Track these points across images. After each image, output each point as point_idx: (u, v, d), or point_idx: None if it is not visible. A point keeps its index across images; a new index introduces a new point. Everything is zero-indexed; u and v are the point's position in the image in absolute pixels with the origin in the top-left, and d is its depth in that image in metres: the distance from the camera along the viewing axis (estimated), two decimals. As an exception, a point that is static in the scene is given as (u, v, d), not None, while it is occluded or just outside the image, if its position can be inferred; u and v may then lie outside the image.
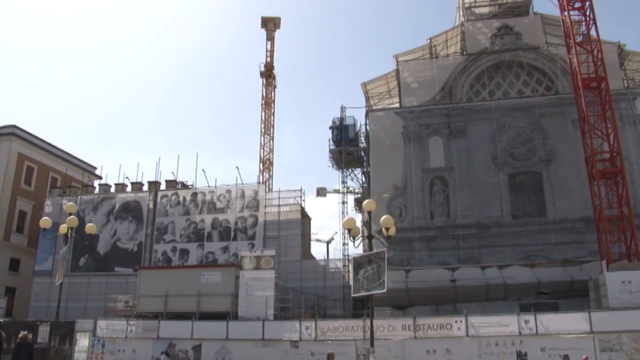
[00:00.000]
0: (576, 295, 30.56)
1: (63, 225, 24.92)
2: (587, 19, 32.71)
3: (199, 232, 40.81)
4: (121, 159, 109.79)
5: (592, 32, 32.54)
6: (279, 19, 53.72)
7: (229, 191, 41.02)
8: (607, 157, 30.92)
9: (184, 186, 43.95)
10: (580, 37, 33.06)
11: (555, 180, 34.89)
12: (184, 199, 41.94)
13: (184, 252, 40.62)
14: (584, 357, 21.59)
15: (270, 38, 53.56)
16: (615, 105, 32.28)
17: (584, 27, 33.04)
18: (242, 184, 41.10)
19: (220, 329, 28.83)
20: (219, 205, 40.92)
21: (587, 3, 32.70)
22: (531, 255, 33.54)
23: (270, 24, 53.50)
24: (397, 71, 39.50)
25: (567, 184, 34.22)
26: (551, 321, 25.52)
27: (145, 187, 44.01)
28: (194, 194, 41.87)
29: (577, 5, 32.96)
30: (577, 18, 33.29)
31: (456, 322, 26.27)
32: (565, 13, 33.03)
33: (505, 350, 25.29)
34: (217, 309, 30.44)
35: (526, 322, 25.52)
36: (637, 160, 34.34)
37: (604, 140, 30.97)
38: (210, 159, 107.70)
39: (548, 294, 31.78)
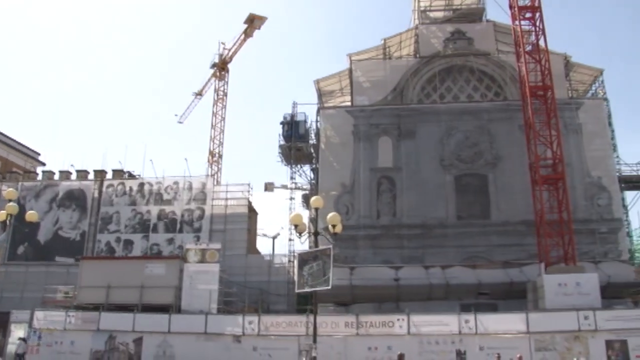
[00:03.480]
0: (515, 296, 31.34)
1: (2, 211, 23.97)
2: (537, 29, 33.66)
3: (144, 223, 40.09)
4: (67, 146, 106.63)
5: (541, 43, 33.52)
6: (265, 19, 52.65)
7: (176, 183, 40.44)
8: (550, 163, 31.88)
9: (131, 176, 43.05)
10: (530, 47, 33.95)
11: (500, 184, 35.67)
12: (131, 189, 41.11)
13: (128, 243, 39.84)
14: (517, 355, 22.19)
15: (248, 35, 52.55)
16: (559, 114, 33.30)
17: (533, 37, 33.98)
18: (190, 176, 40.57)
19: (162, 322, 28.38)
20: (166, 196, 40.30)
21: (538, 14, 33.66)
22: (473, 256, 34.23)
23: (256, 22, 52.27)
24: (350, 70, 39.65)
25: (511, 188, 35.00)
26: (490, 321, 26.25)
27: (91, 176, 42.90)
28: (141, 185, 41.10)
29: (527, 15, 33.89)
30: (527, 28, 34.24)
31: (398, 320, 26.69)
32: (517, 22, 33.94)
33: (445, 348, 25.81)
34: (160, 302, 29.92)
35: (466, 321, 26.15)
36: (578, 168, 35.42)
37: (547, 147, 31.93)
38: (159, 150, 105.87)
39: (488, 294, 32.50)
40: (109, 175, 42.72)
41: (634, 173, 37.85)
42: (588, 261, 31.97)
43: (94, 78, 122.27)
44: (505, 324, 26.25)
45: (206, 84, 53.71)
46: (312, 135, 40.19)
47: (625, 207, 37.36)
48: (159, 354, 27.82)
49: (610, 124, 37.70)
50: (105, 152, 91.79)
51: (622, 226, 35.31)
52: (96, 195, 41.38)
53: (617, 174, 36.67)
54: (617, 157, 37.55)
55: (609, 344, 25.16)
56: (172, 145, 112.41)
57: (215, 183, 42.41)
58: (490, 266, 33.25)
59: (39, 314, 30.07)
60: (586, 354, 24.47)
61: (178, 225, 39.38)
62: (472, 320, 26.10)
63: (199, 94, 54.16)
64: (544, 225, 30.39)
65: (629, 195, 38.65)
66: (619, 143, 38.32)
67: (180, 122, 55.45)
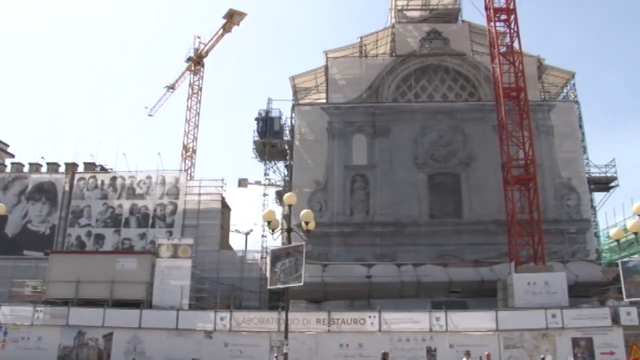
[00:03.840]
0: (485, 294, 31.75)
1: (-32, 204, 23.51)
2: (512, 31, 34.05)
3: (116, 218, 39.61)
4: (37, 138, 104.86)
5: (515, 45, 33.89)
6: (245, 15, 52.33)
7: (149, 177, 40.03)
8: (522, 164, 32.29)
9: (103, 170, 42.49)
10: (504, 48, 34.28)
11: (472, 183, 36.05)
12: (102, 182, 40.56)
13: (100, 238, 39.31)
14: (485, 353, 22.45)
15: (227, 30, 52.18)
16: (532, 115, 33.80)
17: (508, 39, 34.34)
18: (164, 170, 40.21)
19: (133, 317, 27.95)
20: (138, 191, 39.87)
21: (512, 16, 34.03)
22: (445, 254, 34.57)
23: (236, 17, 51.89)
24: (326, 67, 39.67)
25: (483, 187, 35.39)
26: (460, 319, 26.53)
27: (62, 169, 42.20)
28: (113, 178, 40.58)
29: (502, 17, 34.24)
30: (502, 30, 34.58)
31: (370, 317, 26.79)
32: (492, 24, 34.26)
33: (416, 345, 26.00)
34: (131, 297, 29.52)
35: (437, 319, 26.37)
36: (548, 169, 35.96)
37: (520, 148, 32.33)
38: (133, 144, 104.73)
39: (459, 292, 32.87)
40: (81, 169, 42.10)
41: (603, 175, 38.58)
42: (557, 261, 32.54)
43: (66, 69, 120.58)
44: (475, 321, 26.60)
45: (179, 77, 53.37)
46: (287, 132, 40.14)
47: (593, 208, 38.12)
48: (130, 350, 27.45)
49: (580, 126, 38.42)
50: (77, 145, 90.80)
51: (590, 227, 36.01)
52: (67, 188, 40.74)
53: (587, 175, 37.37)
54: (587, 158, 38.31)
55: (575, 341, 25.68)
56: (146, 139, 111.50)
57: (188, 178, 42.11)
58: (461, 264, 33.63)
59: (5, 309, 29.38)
60: (553, 352, 24.91)
61: (150, 220, 39.01)
62: (442, 317, 26.33)
63: (172, 87, 53.80)
64: (515, 224, 30.79)
65: (597, 196, 39.50)
66: (589, 145, 39.06)
67: (151, 115, 55.28)
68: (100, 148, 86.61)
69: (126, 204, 39.64)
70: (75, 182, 40.73)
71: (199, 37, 53.13)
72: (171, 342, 27.32)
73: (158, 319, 28.05)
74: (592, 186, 37.96)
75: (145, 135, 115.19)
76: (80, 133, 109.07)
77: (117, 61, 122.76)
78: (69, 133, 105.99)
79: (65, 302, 29.38)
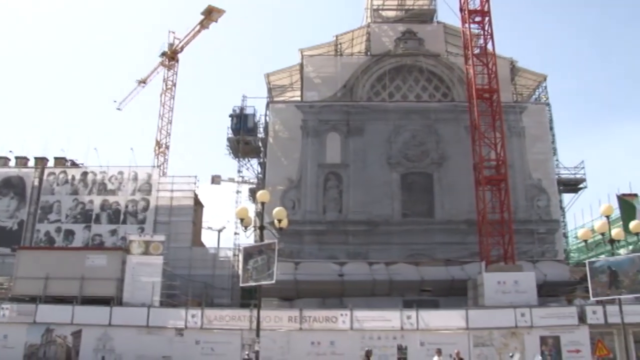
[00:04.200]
0: (456, 293, 32.11)
1: None
2: (485, 33, 34.44)
3: (86, 213, 39.06)
4: (5, 131, 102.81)
5: (489, 46, 34.31)
6: (223, 12, 51.87)
7: (121, 173, 39.55)
8: (494, 164, 32.70)
9: (74, 164, 41.82)
10: (478, 50, 34.63)
11: (445, 183, 36.31)
12: (73, 177, 39.94)
13: (69, 233, 38.72)
14: (455, 351, 22.74)
15: (204, 26, 51.72)
16: (504, 116, 34.23)
17: (482, 41, 34.72)
18: (136, 166, 39.75)
19: (102, 314, 27.63)
20: (109, 186, 39.36)
21: (487, 18, 34.43)
22: (417, 253, 34.76)
23: (214, 14, 51.42)
24: (301, 65, 39.57)
25: (455, 187, 35.66)
26: (431, 317, 26.87)
27: (31, 163, 41.47)
28: (84, 174, 40.00)
29: (477, 19, 34.61)
30: (476, 31, 34.94)
31: (341, 315, 26.92)
32: (466, 25, 34.62)
33: (387, 344, 26.22)
34: (101, 294, 29.16)
35: (408, 317, 26.66)
36: (519, 170, 36.40)
37: (491, 149, 32.74)
38: (104, 139, 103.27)
39: (430, 291, 33.15)
40: (51, 163, 41.42)
41: (572, 176, 39.20)
42: (526, 260, 33.02)
43: (35, 60, 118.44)
44: (445, 320, 26.95)
45: (152, 72, 52.89)
46: (261, 129, 39.98)
47: (562, 208, 38.70)
48: (99, 347, 27.13)
49: (551, 128, 38.92)
50: (47, 139, 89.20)
51: (559, 227, 36.57)
52: (36, 183, 40.02)
53: (556, 176, 37.89)
54: (557, 160, 38.86)
55: (543, 339, 26.24)
56: (118, 134, 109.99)
57: (161, 174, 41.71)
58: (432, 264, 33.86)
59: (-31, 307, 28.86)
60: (521, 350, 25.32)
61: (122, 216, 38.56)
62: (413, 316, 26.62)
63: (143, 82, 53.27)
64: (486, 224, 31.18)
65: (567, 197, 40.05)
66: (559, 147, 39.64)
67: (119, 109, 54.77)
68: (71, 143, 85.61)
69: (97, 200, 39.13)
70: (44, 176, 40.06)
71: (173, 32, 52.72)
72: (141, 339, 27.08)
73: (128, 316, 27.78)
74: (561, 187, 38.53)
75: (118, 131, 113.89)
76: (51, 127, 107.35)
77: (89, 54, 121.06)
78: (39, 127, 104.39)
79: (32, 299, 28.89)
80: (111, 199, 39.09)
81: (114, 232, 38.28)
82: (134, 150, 61.33)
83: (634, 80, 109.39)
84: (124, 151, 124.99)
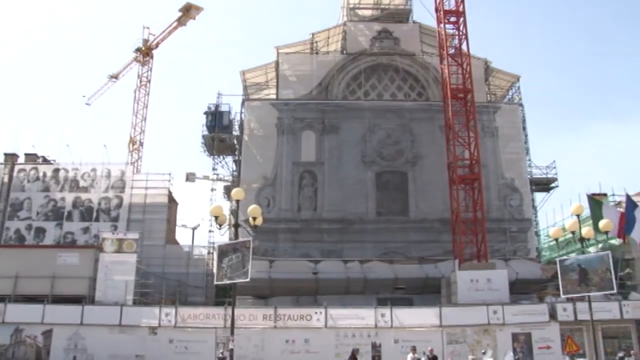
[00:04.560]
0: (430, 291, 32.42)
1: None
2: (460, 33, 34.79)
3: (58, 211, 38.39)
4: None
5: (464, 47, 34.65)
6: (202, 9, 51.40)
7: (94, 169, 38.95)
8: (467, 164, 33.07)
9: (46, 161, 41.04)
10: (453, 50, 34.96)
11: (419, 182, 36.52)
12: (45, 174, 39.22)
13: (40, 231, 38.01)
14: (429, 348, 22.97)
15: (182, 23, 51.22)
16: (478, 116, 34.64)
17: (457, 41, 35.06)
18: (109, 163, 39.20)
19: (74, 313, 27.26)
20: (82, 183, 38.75)
21: (462, 19, 34.78)
22: (391, 252, 34.94)
23: (193, 11, 50.91)
24: (277, 63, 39.46)
25: (429, 186, 35.91)
26: (405, 315, 27.11)
27: (1, 159, 40.66)
28: (56, 170, 39.29)
29: (452, 19, 34.95)
30: (451, 31, 35.28)
31: (316, 313, 27.02)
32: (442, 26, 34.94)
33: (361, 341, 26.34)
34: (73, 293, 28.79)
35: (382, 315, 26.85)
36: (493, 169, 36.80)
37: (465, 148, 33.09)
38: (77, 135, 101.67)
39: (404, 289, 33.41)
40: (21, 159, 40.61)
41: (544, 176, 39.74)
42: (499, 258, 33.47)
43: (6, 54, 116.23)
44: (419, 317, 27.22)
45: (125, 68, 52.34)
46: (236, 127, 39.79)
47: (534, 207, 39.19)
48: (70, 347, 26.77)
49: (524, 128, 39.38)
50: (18, 135, 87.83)
51: (531, 226, 37.01)
52: (6, 180, 39.16)
53: (529, 176, 38.37)
54: (529, 160, 39.30)
55: (515, 336, 26.73)
56: (91, 131, 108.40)
57: (135, 171, 41.26)
58: (407, 262, 34.13)
59: None
60: (494, 347, 25.68)
61: (94, 214, 37.98)
62: (387, 314, 26.84)
63: (115, 77, 52.69)
64: (459, 223, 31.49)
65: (538, 196, 40.63)
66: (531, 147, 40.15)
67: (88, 104, 54.09)
68: (42, 139, 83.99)
69: (69, 197, 38.48)
70: (15, 173, 39.24)
71: (147, 28, 52.21)
72: (114, 338, 26.82)
73: (101, 315, 27.46)
74: (533, 187, 39.01)
75: (91, 127, 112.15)
76: (22, 123, 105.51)
77: (61, 48, 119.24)
78: (9, 122, 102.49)
79: (1, 299, 28.30)
80: (84, 196, 38.50)
81: (86, 230, 37.70)
82: (108, 147, 60.54)
83: (605, 81, 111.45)
84: (98, 148, 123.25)
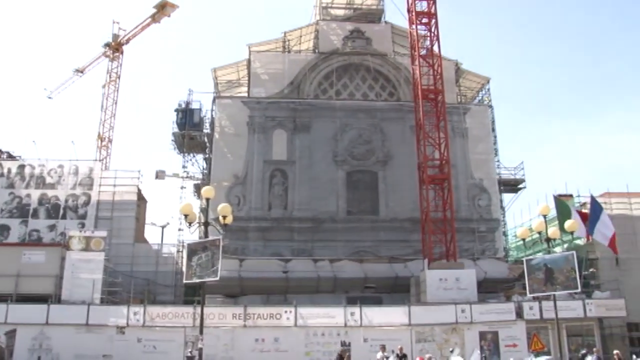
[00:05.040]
0: (399, 290, 32.60)
1: None
2: (432, 35, 35.02)
3: (23, 208, 37.54)
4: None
5: (435, 48, 34.90)
6: (177, 7, 50.78)
7: (61, 166, 38.21)
8: (437, 164, 33.32)
9: (10, 157, 40.21)
10: (424, 51, 35.18)
11: (389, 182, 36.76)
12: (9, 170, 38.29)
13: (4, 229, 37.09)
14: (398, 346, 23.13)
15: (156, 20, 50.54)
16: (448, 117, 34.98)
17: (428, 42, 35.28)
18: (77, 159, 38.54)
19: (39, 313, 26.71)
20: (49, 180, 37.96)
21: (433, 20, 35.03)
22: (361, 251, 35.13)
23: (168, 9, 50.21)
24: (249, 61, 39.33)
25: (400, 186, 36.18)
26: (375, 314, 27.25)
27: (-38, 154, 39.77)
28: (21, 166, 38.41)
29: (424, 20, 35.18)
30: (423, 33, 35.50)
31: (286, 312, 27.01)
32: (413, 27, 35.13)
33: (331, 340, 26.48)
34: (39, 292, 28.23)
35: (352, 314, 26.96)
36: (462, 170, 37.25)
37: (435, 148, 33.35)
38: (43, 131, 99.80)
39: (374, 288, 33.57)
40: (-16, 155, 39.80)
41: (512, 177, 40.34)
42: (467, 258, 33.88)
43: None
44: (388, 316, 27.40)
45: (92, 62, 51.62)
46: (207, 125, 39.52)
47: (502, 208, 39.74)
48: (35, 347, 26.23)
49: (493, 129, 39.91)
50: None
51: (499, 226, 37.58)
52: (-32, 176, 38.35)
53: (497, 177, 38.91)
54: (498, 161, 39.86)
55: (482, 334, 27.14)
56: (58, 127, 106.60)
57: (103, 168, 40.59)
58: (376, 261, 34.34)
59: None
60: (461, 345, 25.98)
61: (61, 211, 37.23)
62: (357, 312, 26.95)
63: (80, 71, 51.90)
64: (429, 222, 31.74)
65: (507, 197, 41.20)
66: (500, 148, 40.71)
67: (50, 98, 53.20)
68: (7, 134, 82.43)
69: (35, 194, 37.65)
70: (-23, 169, 38.37)
71: (117, 22, 51.54)
72: (81, 338, 26.40)
73: (67, 314, 26.99)
74: (501, 187, 39.54)
75: (58, 123, 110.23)
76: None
77: (26, 40, 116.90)
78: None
79: (-38, 298, 27.71)
80: (50, 193, 37.74)
81: (52, 228, 36.96)
82: (75, 143, 59.62)
83: (572, 84, 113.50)
84: (65, 144, 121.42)
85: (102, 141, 49.01)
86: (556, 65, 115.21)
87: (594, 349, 23.97)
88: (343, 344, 26.17)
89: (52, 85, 54.23)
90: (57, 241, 34.30)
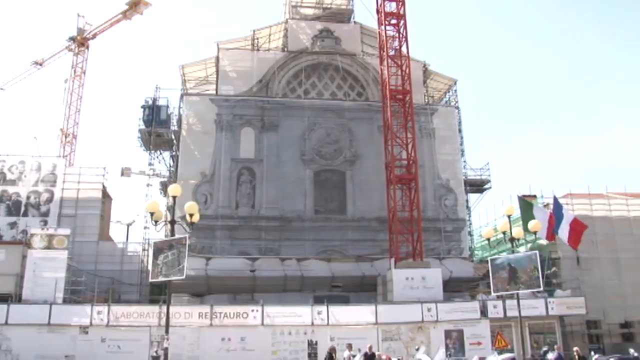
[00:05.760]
0: (366, 289, 32.79)
1: None
2: (401, 36, 35.29)
3: (-19, 205, 36.70)
4: None
5: (404, 49, 35.17)
6: (150, 5, 49.85)
7: (22, 162, 37.30)
8: (405, 164, 33.59)
9: (-30, 152, 39.21)
10: (393, 52, 35.39)
11: (357, 181, 36.91)
12: (-33, 166, 37.42)
13: (-37, 226, 36.28)
14: (368, 345, 23.21)
15: (127, 17, 49.63)
16: (415, 118, 35.32)
17: (397, 43, 35.51)
18: (40, 156, 37.72)
19: (-1, 312, 26.24)
20: (9, 176, 37.04)
21: (402, 22, 35.31)
22: (328, 250, 35.21)
23: (141, 6, 49.27)
24: (217, 58, 39.03)
25: (367, 185, 36.35)
26: (342, 313, 27.37)
27: None
28: (-21, 162, 37.53)
29: (393, 21, 35.45)
30: (391, 33, 35.70)
31: (252, 311, 26.94)
32: (382, 27, 35.36)
33: (298, 339, 26.53)
34: (-2, 291, 27.71)
35: (319, 313, 27.03)
36: (429, 170, 37.62)
37: (403, 149, 33.62)
38: (5, 125, 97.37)
39: (341, 287, 33.67)
40: (-60, 149, 38.62)
41: (478, 177, 40.92)
42: (433, 257, 34.23)
43: None
44: (355, 315, 27.56)
45: (53, 55, 50.55)
46: (174, 122, 39.13)
47: (468, 208, 40.26)
48: (-7, 348, 25.77)
49: (460, 130, 40.38)
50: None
51: (465, 226, 38.07)
52: None
53: (463, 177, 39.42)
54: (464, 161, 40.37)
55: (447, 333, 27.51)
56: (19, 122, 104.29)
57: (67, 165, 39.82)
58: (344, 260, 34.43)
59: None
60: (427, 343, 26.24)
61: (22, 208, 36.40)
62: (324, 311, 27.03)
63: (39, 63, 50.75)
64: (396, 222, 31.98)
65: (472, 197, 41.80)
66: (466, 149, 41.23)
67: (2, 89, 51.95)
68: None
69: (-6, 190, 36.85)
70: None
71: (83, 16, 50.52)
72: (42, 338, 25.87)
73: (28, 314, 26.40)
74: (467, 188, 40.05)
75: (18, 117, 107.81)
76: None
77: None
78: None
79: None
80: (11, 189, 36.84)
81: (13, 225, 36.11)
82: (38, 139, 58.31)
83: (537, 87, 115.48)
84: (27, 139, 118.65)
85: (66, 137, 48.04)
86: (522, 69, 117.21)
87: (555, 346, 24.45)
88: (310, 342, 26.25)
89: (6, 77, 52.95)
90: (18, 239, 33.57)
